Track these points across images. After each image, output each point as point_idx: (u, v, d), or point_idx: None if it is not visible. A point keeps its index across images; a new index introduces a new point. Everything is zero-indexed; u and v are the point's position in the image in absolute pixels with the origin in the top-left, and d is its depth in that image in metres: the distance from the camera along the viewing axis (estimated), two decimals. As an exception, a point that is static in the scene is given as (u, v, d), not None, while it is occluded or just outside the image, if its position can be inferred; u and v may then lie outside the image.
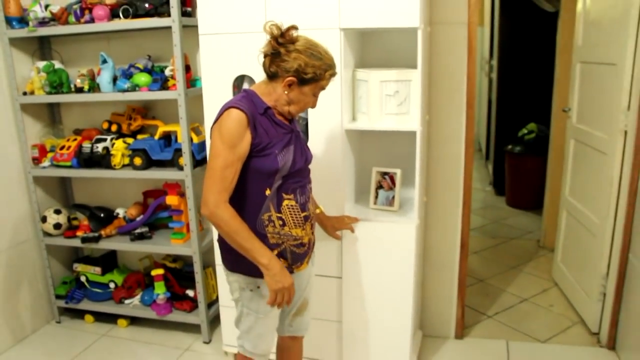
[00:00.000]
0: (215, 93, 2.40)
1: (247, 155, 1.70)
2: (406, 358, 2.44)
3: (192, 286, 2.96)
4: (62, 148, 2.96)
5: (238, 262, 1.78)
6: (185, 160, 2.69)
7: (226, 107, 1.69)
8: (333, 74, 1.76)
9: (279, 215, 1.77)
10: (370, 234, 2.32)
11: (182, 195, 2.86)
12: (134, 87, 2.73)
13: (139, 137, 2.92)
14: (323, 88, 1.78)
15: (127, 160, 2.86)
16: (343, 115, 2.25)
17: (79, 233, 3.07)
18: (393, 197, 2.39)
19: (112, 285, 3.17)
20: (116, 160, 2.84)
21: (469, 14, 2.51)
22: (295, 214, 1.80)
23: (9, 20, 2.82)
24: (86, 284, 3.20)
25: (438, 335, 2.94)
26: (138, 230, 2.99)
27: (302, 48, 1.68)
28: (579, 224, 3.08)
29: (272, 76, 1.73)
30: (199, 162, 2.78)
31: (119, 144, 2.86)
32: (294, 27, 1.68)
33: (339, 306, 2.45)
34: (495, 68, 5.38)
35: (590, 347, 2.78)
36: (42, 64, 2.89)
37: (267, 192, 1.75)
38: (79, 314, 3.25)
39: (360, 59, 2.48)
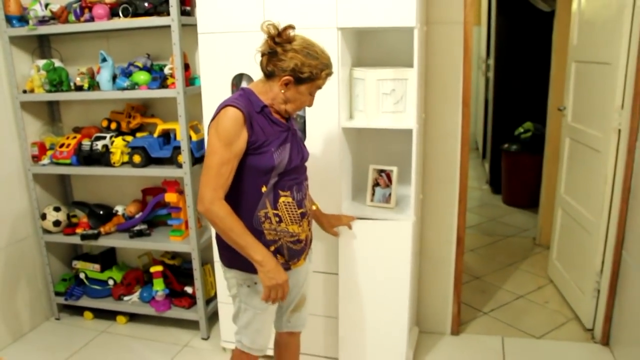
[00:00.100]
0: (214, 91, 2.42)
1: (244, 153, 1.72)
2: (402, 354, 2.46)
3: (191, 283, 2.99)
4: (61, 146, 2.98)
5: (235, 259, 1.80)
6: (184, 157, 2.72)
7: (223, 105, 1.71)
8: (329, 74, 1.77)
9: (275, 212, 1.79)
10: (367, 231, 2.34)
11: (180, 192, 2.88)
12: (133, 86, 2.76)
13: (138, 135, 2.94)
14: (319, 87, 1.80)
15: (126, 158, 2.88)
16: (340, 114, 2.28)
17: (78, 230, 3.09)
18: (390, 195, 2.42)
19: (111, 282, 3.19)
20: (115, 157, 2.86)
21: (465, 13, 2.54)
22: (291, 211, 1.82)
23: (9, 19, 2.83)
24: (85, 281, 3.22)
25: (434, 331, 2.97)
26: (137, 228, 3.01)
27: (299, 47, 1.69)
28: (574, 222, 3.11)
29: (269, 75, 1.75)
30: (198, 159, 2.80)
31: (118, 141, 2.88)
32: (291, 27, 1.70)
33: (336, 302, 2.48)
34: (491, 67, 5.40)
35: (585, 343, 2.82)
36: (42, 62, 2.91)
37: (263, 189, 1.77)
38: (78, 311, 3.27)
39: (358, 57, 2.50)
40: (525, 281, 3.54)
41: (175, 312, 3.01)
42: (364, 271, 2.39)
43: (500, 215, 4.86)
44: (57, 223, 3.09)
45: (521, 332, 2.95)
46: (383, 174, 2.43)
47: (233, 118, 1.68)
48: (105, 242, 3.03)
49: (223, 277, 1.95)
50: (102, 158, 2.88)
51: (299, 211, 1.85)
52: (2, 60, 2.89)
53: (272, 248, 1.82)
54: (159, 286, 3.00)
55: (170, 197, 2.85)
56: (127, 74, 2.81)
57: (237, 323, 1.94)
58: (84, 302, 3.18)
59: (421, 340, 2.89)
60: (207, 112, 2.47)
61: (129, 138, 2.91)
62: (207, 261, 3.02)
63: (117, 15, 2.70)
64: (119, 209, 3.15)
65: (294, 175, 1.84)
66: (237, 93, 1.79)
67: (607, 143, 2.66)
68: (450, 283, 2.89)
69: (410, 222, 2.31)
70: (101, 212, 3.11)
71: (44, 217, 3.08)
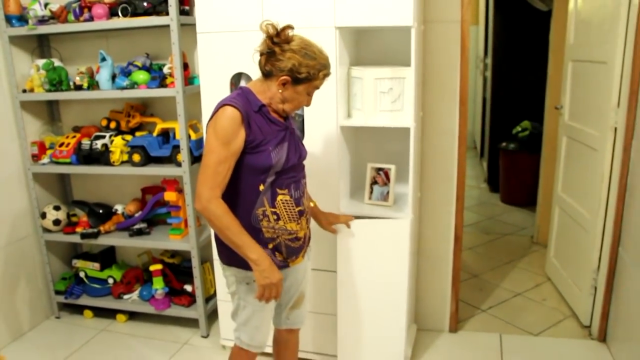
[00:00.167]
0: (213, 90, 2.44)
1: (242, 152, 1.73)
2: (401, 351, 2.48)
3: (190, 281, 3.00)
4: (61, 145, 2.99)
5: (234, 256, 1.80)
6: (183, 156, 2.73)
7: (221, 105, 1.72)
8: (327, 74, 1.78)
9: (273, 210, 1.81)
10: (365, 229, 2.35)
11: (180, 191, 2.90)
12: (133, 85, 2.77)
13: (138, 134, 2.95)
14: (317, 87, 1.81)
15: (125, 157, 2.89)
16: (338, 112, 2.30)
17: (78, 229, 3.10)
18: (387, 193, 2.44)
19: (110, 280, 3.20)
20: (115, 156, 2.87)
21: (462, 12, 2.55)
22: (289, 209, 1.84)
23: (8, 19, 2.85)
24: (85, 279, 3.23)
25: (432, 328, 2.99)
26: (137, 226, 3.02)
27: (297, 48, 1.70)
28: (571, 220, 3.13)
29: (267, 74, 1.76)
30: (197, 158, 2.81)
31: (118, 140, 2.90)
32: (290, 27, 1.71)
33: (335, 300, 2.49)
34: (489, 66, 5.42)
35: (582, 340, 2.84)
36: (41, 61, 2.93)
37: (261, 187, 1.78)
38: (78, 310, 3.28)
39: (355, 56, 2.52)
40: (523, 279, 3.56)
41: (175, 311, 3.03)
42: (362, 269, 2.40)
43: (498, 213, 4.88)
44: (57, 222, 3.11)
45: (519, 329, 2.97)
46: (381, 172, 2.45)
47: (231, 117, 1.69)
48: (105, 240, 3.05)
49: (222, 275, 1.97)
50: (101, 157, 2.89)
51: (297, 209, 1.86)
52: (1, 60, 2.90)
53: (271, 246, 1.84)
54: (158, 284, 3.01)
55: (169, 195, 2.87)
56: (127, 73, 2.82)
57: (236, 320, 1.96)
58: (84, 300, 3.20)
59: (419, 338, 2.91)
60: (206, 111, 2.48)
61: (129, 137, 2.92)
62: (206, 259, 3.03)
63: (117, 14, 2.71)
64: (119, 207, 3.16)
65: (292, 173, 1.85)
66: (236, 92, 1.81)
67: (603, 141, 2.68)
68: (448, 281, 2.91)
69: (408, 219, 2.32)
70: (101, 211, 3.12)
71: (43, 216, 3.10)
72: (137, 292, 3.15)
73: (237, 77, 2.42)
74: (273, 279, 1.74)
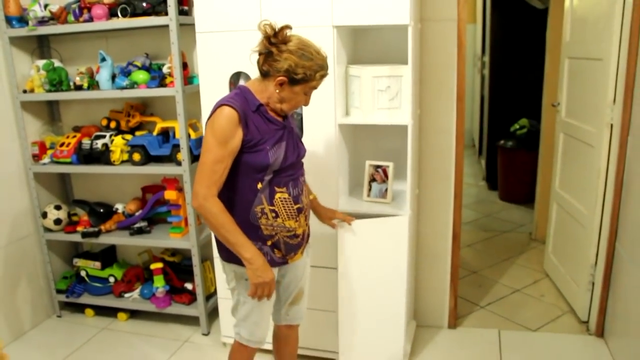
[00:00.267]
0: (212, 90, 2.45)
1: (239, 151, 1.75)
2: (400, 347, 2.49)
3: (191, 279, 3.02)
4: (62, 145, 3.01)
5: (233, 253, 1.82)
6: (183, 155, 2.75)
7: (219, 105, 1.74)
8: (324, 75, 1.79)
9: (271, 207, 1.82)
10: (364, 225, 2.36)
11: (180, 190, 2.92)
12: (133, 85, 2.79)
13: (138, 133, 2.97)
14: (314, 88, 1.82)
15: (126, 156, 2.91)
16: (337, 110, 2.32)
17: (79, 228, 3.12)
18: (386, 190, 2.46)
19: (111, 279, 3.22)
20: (115, 156, 2.89)
21: (459, 10, 2.58)
22: (288, 207, 1.86)
23: (8, 20, 2.87)
24: (86, 278, 3.25)
25: (431, 325, 3.01)
26: (137, 225, 3.04)
27: (294, 48, 1.71)
28: (569, 216, 3.15)
29: (264, 74, 1.78)
30: (197, 157, 2.81)
31: (118, 140, 2.91)
32: (288, 27, 1.72)
33: (335, 297, 2.51)
34: (487, 65, 5.44)
35: (580, 335, 2.86)
36: (41, 62, 2.94)
37: (259, 185, 1.80)
38: (80, 308, 3.30)
39: (353, 55, 2.54)
40: (521, 275, 3.58)
41: (176, 309, 3.05)
42: (361, 265, 2.42)
43: (496, 211, 4.90)
44: (58, 221, 3.12)
45: (517, 325, 2.99)
46: (379, 170, 2.47)
47: (228, 117, 1.71)
48: (105, 239, 3.06)
49: (222, 271, 1.99)
50: (102, 156, 2.91)
51: (296, 207, 1.88)
52: (2, 61, 2.92)
53: (269, 242, 1.86)
54: (159, 283, 3.03)
55: (169, 194, 2.89)
56: (126, 73, 2.84)
57: (236, 316, 1.98)
58: (85, 299, 3.22)
59: (419, 334, 2.93)
60: (206, 110, 2.49)
61: (129, 136, 2.94)
62: (206, 258, 3.05)
63: (116, 15, 2.73)
64: (119, 206, 3.18)
65: (290, 171, 1.86)
66: (234, 92, 1.82)
67: (600, 138, 2.70)
68: (447, 277, 2.92)
69: (406, 216, 2.34)
70: (101, 210, 3.14)
71: (44, 215, 3.11)
72: (138, 290, 3.17)
73: (236, 77, 2.44)
74: (265, 277, 1.77)
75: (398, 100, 2.31)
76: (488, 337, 2.88)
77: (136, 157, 2.85)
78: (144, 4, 2.66)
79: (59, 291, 3.25)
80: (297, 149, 1.90)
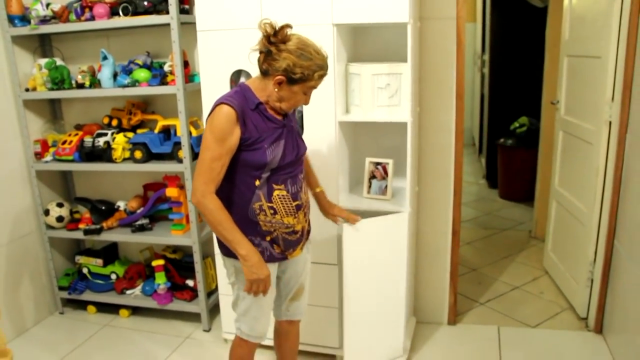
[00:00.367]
0: (213, 88, 2.47)
1: (237, 148, 1.77)
2: (400, 343, 2.52)
3: (192, 276, 3.04)
4: (64, 143, 3.02)
5: None
6: (185, 153, 2.77)
7: (218, 103, 1.75)
8: (323, 75, 1.79)
9: (270, 204, 1.84)
10: (364, 222, 2.37)
11: (181, 187, 2.93)
12: (134, 83, 2.80)
13: (139, 131, 2.99)
14: (314, 87, 1.82)
15: (127, 154, 2.93)
16: (337, 108, 2.33)
17: (81, 225, 3.13)
18: (386, 187, 2.47)
19: (113, 276, 3.24)
20: (117, 154, 2.91)
21: (458, 9, 2.59)
22: (286, 204, 1.87)
23: (11, 19, 2.88)
24: (88, 275, 3.27)
25: (431, 321, 3.02)
26: (139, 222, 3.06)
27: (293, 48, 1.72)
28: (568, 213, 3.17)
29: (264, 73, 1.79)
30: (198, 155, 2.83)
31: (120, 138, 2.93)
32: (288, 26, 1.73)
33: (335, 293, 2.52)
34: (487, 63, 5.45)
35: (579, 332, 2.87)
36: (43, 61, 2.96)
37: (257, 182, 1.82)
38: (82, 305, 3.32)
39: (353, 53, 2.55)
40: (521, 273, 3.60)
41: (177, 305, 3.07)
42: (361, 262, 2.41)
43: (496, 209, 4.91)
44: (60, 219, 3.14)
45: (517, 321, 3.01)
46: (379, 167, 2.49)
47: (226, 116, 1.72)
48: (107, 237, 3.08)
49: (222, 266, 2.01)
50: (103, 154, 2.93)
51: (294, 203, 1.89)
52: (4, 60, 2.94)
53: (268, 238, 1.87)
54: (160, 280, 3.05)
55: (171, 191, 2.90)
56: (128, 71, 2.85)
57: (236, 310, 2.00)
58: (87, 296, 3.23)
59: (418, 330, 2.94)
60: (207, 108, 2.51)
61: (130, 134, 2.96)
62: (207, 254, 3.07)
63: (117, 14, 2.75)
64: (121, 204, 3.20)
65: (289, 169, 1.87)
66: (234, 89, 1.83)
67: (598, 135, 2.71)
68: (447, 274, 2.94)
69: (406, 213, 2.36)
70: (103, 208, 3.16)
71: (47, 213, 3.13)
72: (139, 287, 3.19)
73: (236, 74, 2.45)
74: (261, 274, 1.79)
75: (398, 98, 2.33)
76: (487, 334, 2.89)
77: (138, 154, 2.87)
78: (145, 3, 2.67)
79: (61, 288, 3.27)
80: (296, 148, 1.90)
